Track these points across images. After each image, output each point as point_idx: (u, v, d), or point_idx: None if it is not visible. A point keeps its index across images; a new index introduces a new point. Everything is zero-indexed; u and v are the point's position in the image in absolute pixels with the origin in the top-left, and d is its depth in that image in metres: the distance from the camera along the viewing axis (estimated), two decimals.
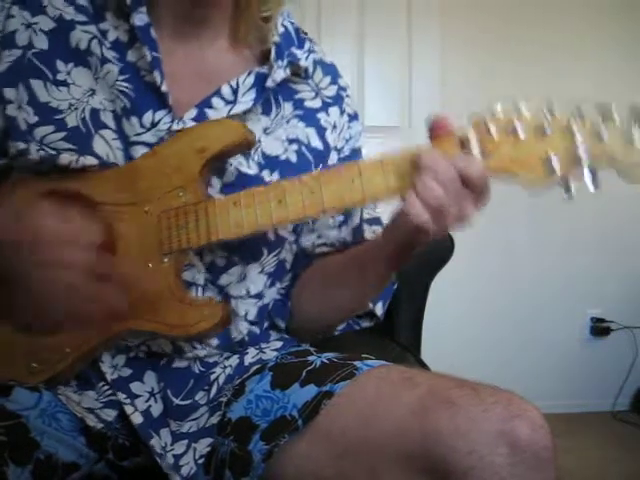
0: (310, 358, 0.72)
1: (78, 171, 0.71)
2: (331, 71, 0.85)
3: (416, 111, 2.27)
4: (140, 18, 0.73)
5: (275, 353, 0.78)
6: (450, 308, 2.24)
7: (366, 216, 0.87)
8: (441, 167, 0.62)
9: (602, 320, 2.41)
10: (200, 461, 0.71)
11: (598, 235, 2.38)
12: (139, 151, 0.72)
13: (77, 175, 0.71)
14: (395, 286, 0.86)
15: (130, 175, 0.71)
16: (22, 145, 0.70)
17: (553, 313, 2.38)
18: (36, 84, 0.71)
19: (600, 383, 2.39)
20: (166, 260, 0.69)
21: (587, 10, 2.30)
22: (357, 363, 0.69)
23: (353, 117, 0.87)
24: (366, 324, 0.88)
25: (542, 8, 2.30)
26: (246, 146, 0.73)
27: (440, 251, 1.23)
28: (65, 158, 0.69)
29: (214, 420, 0.73)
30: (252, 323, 0.78)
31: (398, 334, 1.16)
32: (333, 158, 0.83)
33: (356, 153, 0.87)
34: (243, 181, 0.73)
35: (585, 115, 0.64)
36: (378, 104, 2.24)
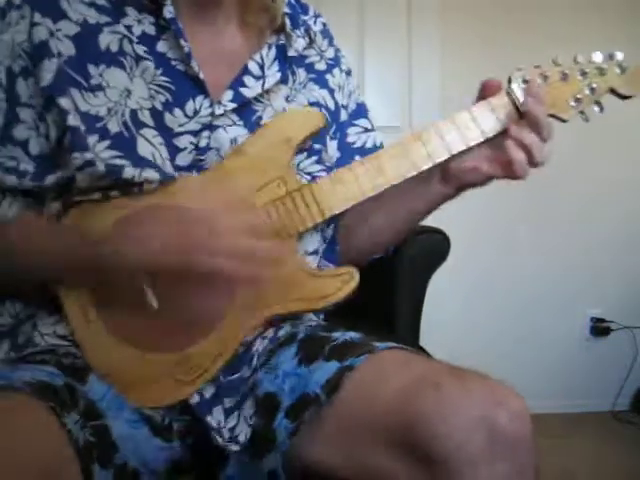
0: (335, 334, 0.73)
1: (141, 186, 0.70)
2: (327, 34, 0.90)
3: (416, 111, 2.27)
4: (169, 10, 0.74)
5: (307, 326, 0.79)
6: (450, 306, 2.24)
7: None
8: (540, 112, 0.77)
9: (602, 320, 2.41)
10: (251, 422, 0.71)
11: (599, 235, 2.38)
12: (184, 141, 0.73)
13: (154, 190, 0.70)
14: None
15: (220, 177, 0.73)
16: (89, 156, 0.68)
17: (553, 313, 2.38)
18: (74, 92, 0.70)
19: (600, 383, 2.38)
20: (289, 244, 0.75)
21: (586, 15, 2.29)
22: (376, 343, 0.70)
23: (348, 73, 0.91)
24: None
25: (541, 11, 2.30)
26: (322, 130, 0.79)
27: (438, 250, 1.24)
28: (129, 172, 0.69)
29: (250, 382, 0.74)
30: None
31: (397, 327, 1.16)
32: (344, 116, 0.88)
33: (361, 107, 0.91)
34: None
35: (583, 63, 0.85)
36: (378, 104, 2.24)
